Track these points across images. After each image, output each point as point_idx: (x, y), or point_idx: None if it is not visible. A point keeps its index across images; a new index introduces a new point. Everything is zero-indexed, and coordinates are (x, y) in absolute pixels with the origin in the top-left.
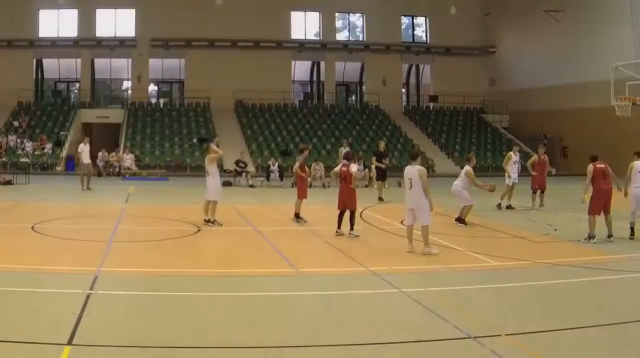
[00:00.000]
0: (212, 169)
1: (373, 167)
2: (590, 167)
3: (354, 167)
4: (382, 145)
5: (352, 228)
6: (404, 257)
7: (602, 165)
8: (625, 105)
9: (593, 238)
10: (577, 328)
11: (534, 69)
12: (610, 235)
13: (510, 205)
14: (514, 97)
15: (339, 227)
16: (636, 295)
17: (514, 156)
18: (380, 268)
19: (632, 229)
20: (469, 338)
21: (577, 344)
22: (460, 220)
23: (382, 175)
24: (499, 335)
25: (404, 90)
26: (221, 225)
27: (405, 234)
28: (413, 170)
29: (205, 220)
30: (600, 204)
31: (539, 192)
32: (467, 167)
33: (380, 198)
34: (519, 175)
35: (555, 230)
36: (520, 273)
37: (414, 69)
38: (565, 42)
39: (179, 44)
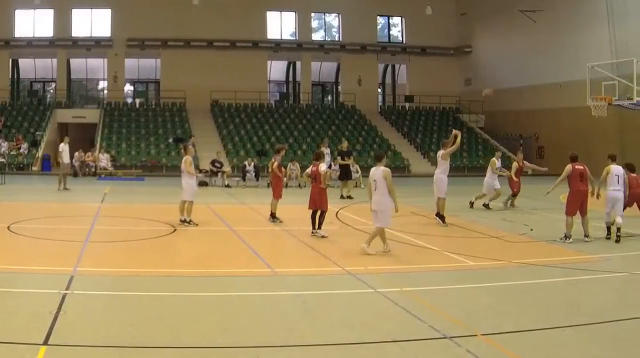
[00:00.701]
0: (190, 169)
1: (353, 167)
2: (569, 167)
3: (323, 167)
4: (345, 144)
5: (319, 227)
6: (380, 257)
7: (581, 167)
8: (601, 105)
9: (569, 238)
10: (552, 328)
11: (510, 68)
12: (586, 235)
13: (488, 204)
14: (490, 96)
15: (313, 227)
16: (611, 295)
17: (497, 162)
18: (355, 268)
19: (608, 229)
20: (444, 338)
21: (552, 344)
22: (439, 216)
23: (344, 174)
24: (475, 335)
25: (379, 90)
26: (197, 225)
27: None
28: (377, 172)
29: (180, 220)
30: (576, 205)
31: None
32: (443, 152)
33: (342, 196)
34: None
35: (532, 230)
36: (496, 273)
37: (389, 68)
38: (541, 42)
39: (154, 43)
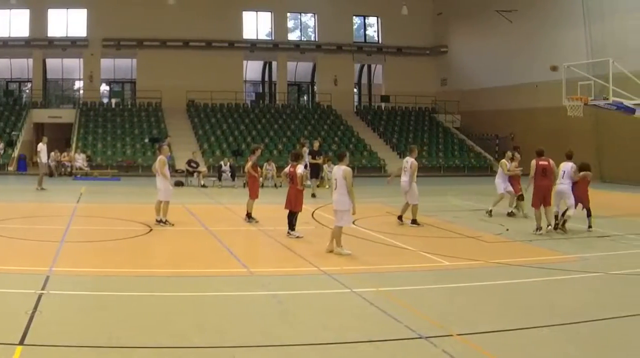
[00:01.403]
0: (163, 170)
1: (325, 167)
2: (533, 162)
3: (300, 168)
4: (316, 144)
5: (292, 229)
6: (356, 257)
7: (545, 162)
8: (577, 105)
9: (540, 230)
10: (529, 328)
11: (486, 68)
12: (549, 225)
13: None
14: (466, 96)
15: (289, 228)
16: (587, 295)
17: (508, 163)
18: (331, 268)
19: (555, 218)
20: (420, 338)
21: (529, 344)
22: (413, 221)
23: (315, 173)
24: (451, 335)
25: (355, 90)
26: (173, 225)
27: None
28: (339, 171)
29: (157, 221)
30: (539, 198)
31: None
32: (411, 159)
33: (313, 195)
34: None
35: (507, 230)
36: (473, 273)
37: (365, 68)
38: (517, 42)
39: (130, 43)
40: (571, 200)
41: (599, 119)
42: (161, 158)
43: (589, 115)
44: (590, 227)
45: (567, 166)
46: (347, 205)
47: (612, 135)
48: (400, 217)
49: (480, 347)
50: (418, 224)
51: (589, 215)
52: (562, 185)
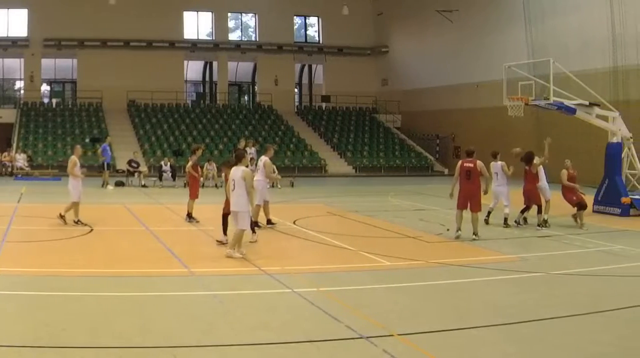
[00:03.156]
0: (73, 170)
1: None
2: (458, 164)
3: (239, 171)
4: (243, 143)
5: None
6: (297, 257)
7: (470, 164)
8: (518, 105)
9: (458, 231)
10: (469, 328)
11: (427, 68)
12: (474, 233)
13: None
14: (407, 97)
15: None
16: (528, 295)
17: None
18: (272, 268)
19: (488, 213)
20: (361, 338)
21: (469, 344)
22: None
23: None
24: (392, 335)
25: (296, 90)
26: (66, 223)
27: (296, 233)
28: (237, 172)
29: (74, 221)
30: (463, 200)
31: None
32: (265, 158)
33: None
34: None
35: (448, 230)
36: (413, 273)
37: (306, 68)
38: (457, 42)
39: (71, 44)
40: (507, 201)
41: (539, 118)
42: (72, 158)
43: (529, 115)
44: (539, 225)
45: (497, 166)
46: (246, 206)
47: (553, 134)
48: (269, 221)
49: (421, 347)
50: (259, 226)
51: (538, 212)
52: (498, 186)
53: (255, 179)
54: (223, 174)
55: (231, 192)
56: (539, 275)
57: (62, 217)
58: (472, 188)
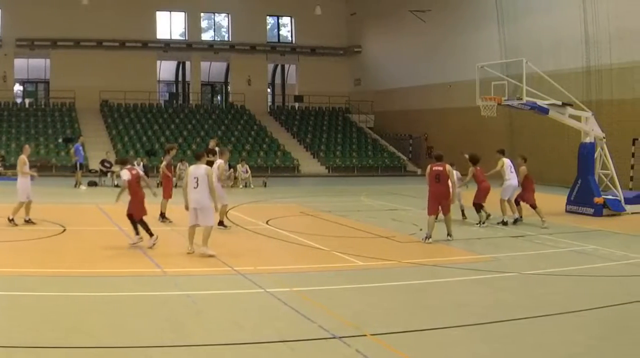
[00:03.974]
0: (22, 169)
1: (239, 167)
2: (428, 168)
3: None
4: (212, 143)
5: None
6: (270, 257)
7: (439, 168)
8: (491, 105)
9: (429, 238)
10: (442, 328)
11: (400, 68)
12: (448, 234)
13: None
14: (380, 97)
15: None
16: (500, 295)
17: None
18: (245, 268)
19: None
20: (334, 338)
21: (442, 344)
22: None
23: None
24: (364, 335)
25: (269, 90)
26: (17, 225)
27: (269, 233)
28: (199, 170)
29: (25, 220)
30: (434, 204)
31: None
32: (220, 161)
33: None
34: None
35: (421, 230)
36: (386, 273)
37: (279, 68)
38: (430, 42)
39: (44, 43)
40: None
41: (512, 118)
42: (21, 157)
43: (502, 115)
44: (478, 222)
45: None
46: (209, 203)
47: (525, 134)
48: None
49: (394, 347)
50: (225, 226)
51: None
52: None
53: None
54: (120, 171)
55: (192, 190)
56: (512, 275)
57: (11, 220)
58: (442, 191)
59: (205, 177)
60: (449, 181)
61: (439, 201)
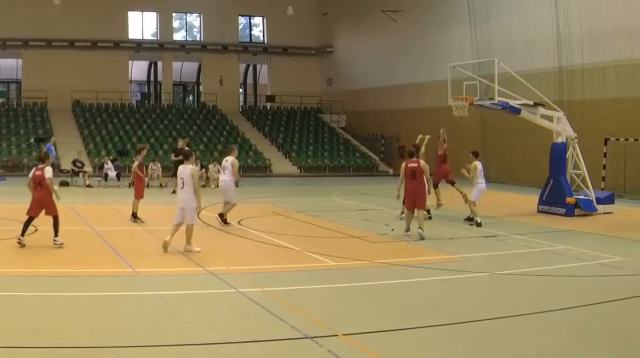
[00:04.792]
0: None
1: (211, 167)
2: (402, 164)
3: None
4: (181, 143)
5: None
6: (242, 257)
7: (414, 164)
8: (462, 105)
9: (408, 231)
10: (415, 328)
11: (372, 69)
12: (420, 228)
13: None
14: (352, 97)
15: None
16: (474, 295)
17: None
18: (217, 268)
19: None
20: (306, 338)
21: (415, 344)
22: (221, 216)
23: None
24: (336, 335)
25: (241, 90)
26: None
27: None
28: (185, 170)
29: None
30: (410, 200)
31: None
32: (231, 158)
33: (174, 192)
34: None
35: (393, 230)
36: (358, 273)
37: (251, 68)
38: (402, 42)
39: (16, 43)
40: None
41: (484, 118)
42: None
43: (474, 115)
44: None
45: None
46: (193, 203)
47: (497, 134)
48: (221, 215)
49: (366, 347)
50: (227, 224)
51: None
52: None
53: (221, 179)
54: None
55: (179, 190)
56: (484, 275)
57: None
58: (417, 187)
59: (190, 178)
60: (424, 177)
61: (414, 197)
